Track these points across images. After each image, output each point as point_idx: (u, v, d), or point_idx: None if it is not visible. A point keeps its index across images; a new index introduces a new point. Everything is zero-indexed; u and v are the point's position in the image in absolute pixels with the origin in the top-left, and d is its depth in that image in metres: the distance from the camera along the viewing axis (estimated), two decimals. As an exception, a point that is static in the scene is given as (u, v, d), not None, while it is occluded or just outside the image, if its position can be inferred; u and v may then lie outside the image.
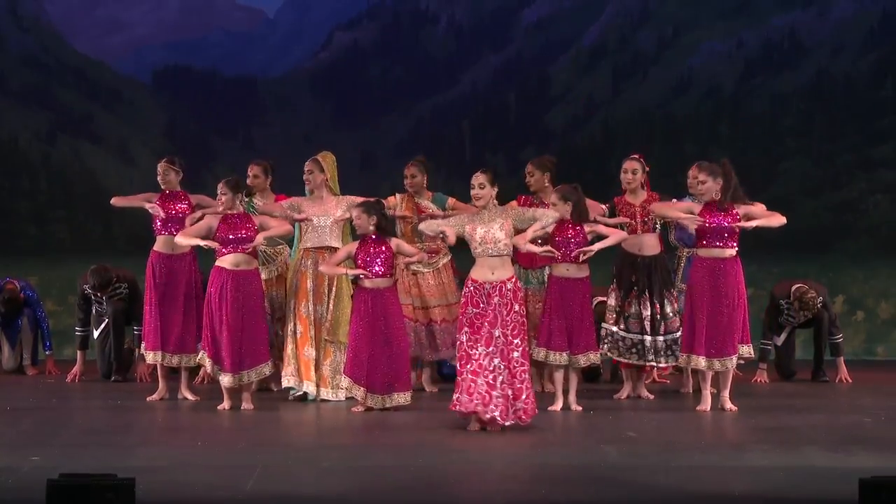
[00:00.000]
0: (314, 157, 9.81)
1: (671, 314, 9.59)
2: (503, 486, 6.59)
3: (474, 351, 8.21)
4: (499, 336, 8.20)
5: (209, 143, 20.01)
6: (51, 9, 20.90)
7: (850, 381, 10.98)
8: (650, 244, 9.59)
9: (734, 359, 9.12)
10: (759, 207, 9.24)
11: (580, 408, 9.11)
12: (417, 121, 20.84)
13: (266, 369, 9.39)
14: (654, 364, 9.69)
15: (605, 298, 9.80)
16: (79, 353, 10.99)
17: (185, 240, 9.30)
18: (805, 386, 10.95)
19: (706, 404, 9.11)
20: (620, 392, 9.80)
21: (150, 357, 9.81)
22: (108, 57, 20.76)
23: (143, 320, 9.95)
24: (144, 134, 20.04)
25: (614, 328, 9.60)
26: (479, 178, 8.51)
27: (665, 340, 9.56)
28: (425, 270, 10.14)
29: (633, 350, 9.59)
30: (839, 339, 11.16)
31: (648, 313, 9.54)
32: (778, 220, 9.18)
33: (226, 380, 9.17)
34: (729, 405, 9.10)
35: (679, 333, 9.49)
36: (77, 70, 20.30)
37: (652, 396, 9.76)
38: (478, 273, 8.32)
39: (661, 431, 8.36)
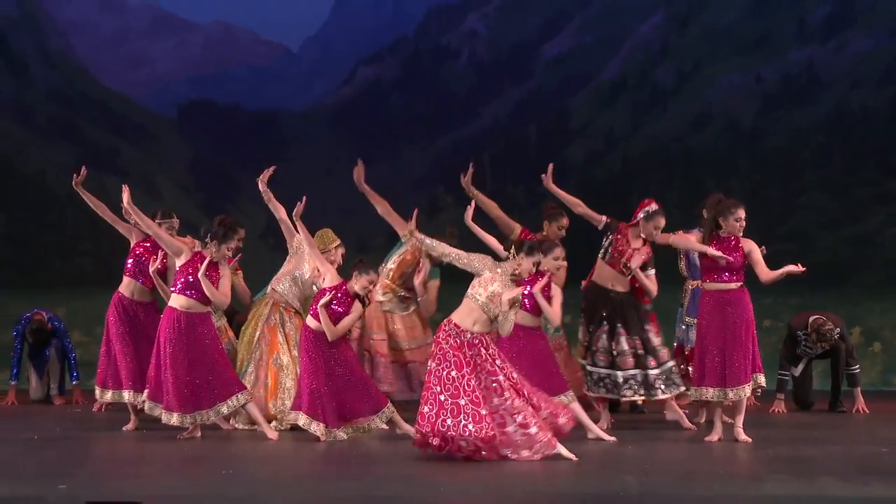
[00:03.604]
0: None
1: (659, 346, 9.69)
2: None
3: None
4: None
5: (232, 177, 20.19)
6: (77, 44, 21.14)
7: (867, 411, 11.04)
8: (622, 281, 9.79)
9: (747, 388, 9.07)
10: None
11: (614, 438, 9.15)
12: (438, 154, 21.01)
13: (242, 398, 9.35)
14: (628, 398, 9.74)
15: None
16: (105, 383, 11.07)
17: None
18: (822, 416, 11.00)
19: (716, 434, 9.14)
20: (600, 423, 9.80)
21: (102, 394, 9.97)
22: (134, 92, 20.97)
23: (101, 360, 10.03)
24: (169, 168, 20.20)
25: (582, 361, 9.72)
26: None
27: (659, 373, 9.64)
28: (399, 313, 10.21)
29: (601, 384, 9.67)
30: (856, 369, 11.22)
31: (626, 349, 9.63)
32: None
33: (174, 419, 9.21)
34: (743, 437, 9.07)
35: (672, 363, 9.68)
36: (103, 104, 20.51)
37: (695, 427, 9.79)
38: (461, 318, 8.17)
39: (679, 461, 8.39)
